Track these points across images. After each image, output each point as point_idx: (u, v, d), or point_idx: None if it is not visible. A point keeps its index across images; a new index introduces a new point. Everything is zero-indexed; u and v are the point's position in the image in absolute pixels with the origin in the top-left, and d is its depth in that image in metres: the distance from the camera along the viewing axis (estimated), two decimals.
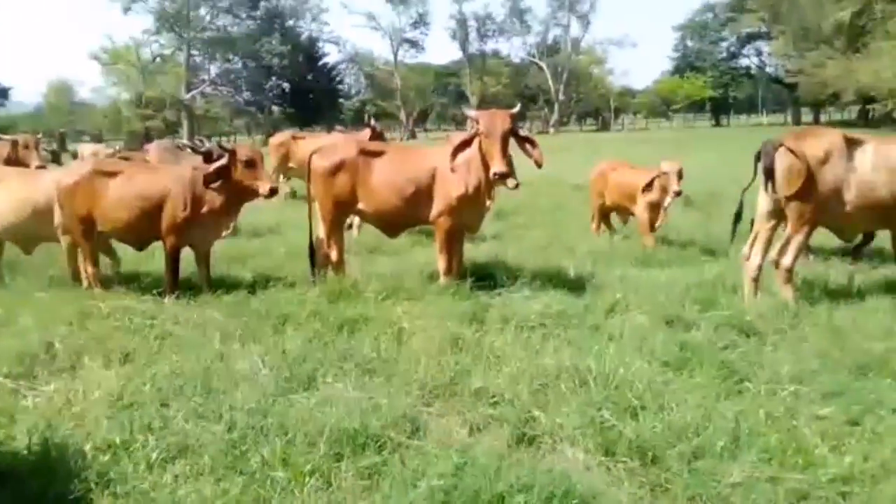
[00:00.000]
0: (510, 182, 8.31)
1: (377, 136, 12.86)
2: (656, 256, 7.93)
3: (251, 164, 6.60)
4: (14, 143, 11.62)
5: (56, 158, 14.54)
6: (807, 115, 67.38)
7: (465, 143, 6.33)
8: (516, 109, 6.48)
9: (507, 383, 4.38)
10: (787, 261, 5.84)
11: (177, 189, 6.67)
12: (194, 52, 66.29)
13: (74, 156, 18.81)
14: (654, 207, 8.34)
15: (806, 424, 3.83)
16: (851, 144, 5.75)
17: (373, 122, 13.81)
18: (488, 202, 6.57)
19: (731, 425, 3.78)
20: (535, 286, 6.44)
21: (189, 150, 10.33)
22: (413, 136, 68.12)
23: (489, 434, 3.95)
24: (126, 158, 9.82)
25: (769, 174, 5.85)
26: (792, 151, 5.74)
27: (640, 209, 8.41)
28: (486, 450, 3.65)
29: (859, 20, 32.14)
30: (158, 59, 66.97)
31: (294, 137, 14.72)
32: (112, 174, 6.90)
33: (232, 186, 6.61)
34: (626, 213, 9.10)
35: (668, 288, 6.31)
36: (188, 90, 63.51)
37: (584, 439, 3.78)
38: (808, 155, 5.70)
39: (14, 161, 10.20)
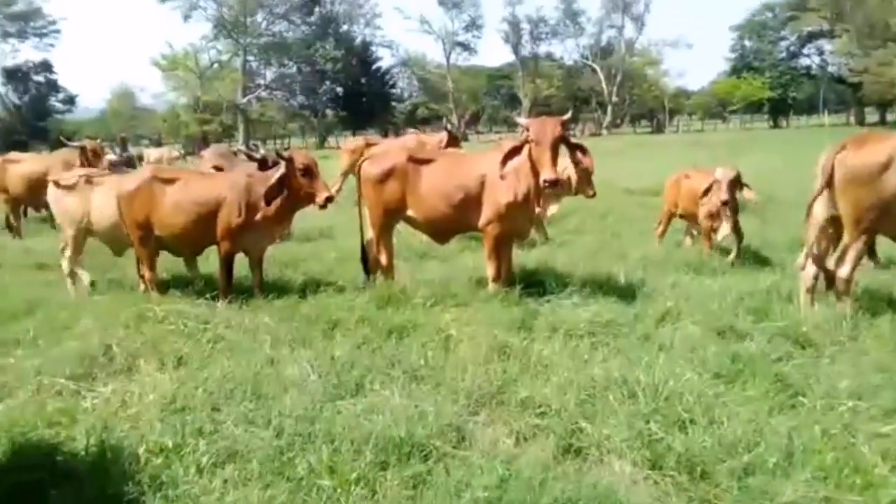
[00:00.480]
0: (588, 190, 8.44)
1: (453, 139, 12.92)
2: (710, 264, 7.77)
3: (308, 172, 6.69)
4: (83, 149, 12.04)
5: (130, 163, 14.91)
6: (871, 115, 65.35)
7: (515, 151, 6.31)
8: (567, 116, 6.43)
9: (555, 393, 4.34)
10: (844, 271, 5.67)
11: (232, 196, 6.79)
12: (250, 57, 67.67)
13: (140, 159, 19.34)
14: (713, 215, 8.10)
15: (865, 442, 3.70)
16: None
17: (449, 125, 13.91)
18: (538, 209, 6.54)
19: (785, 441, 3.69)
20: (584, 293, 6.37)
21: (244, 156, 10.56)
22: (465, 138, 68.12)
23: (535, 444, 3.93)
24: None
25: (828, 180, 5.69)
26: (851, 156, 5.57)
27: (701, 216, 8.22)
28: (531, 461, 3.63)
29: None
30: (216, 65, 68.55)
31: (368, 143, 14.86)
32: (170, 181, 7.07)
33: (289, 194, 6.71)
34: (696, 221, 8.80)
35: (721, 297, 6.18)
36: (244, 94, 64.84)
37: (632, 452, 3.73)
38: (868, 162, 5.51)
39: (86, 166, 10.59)
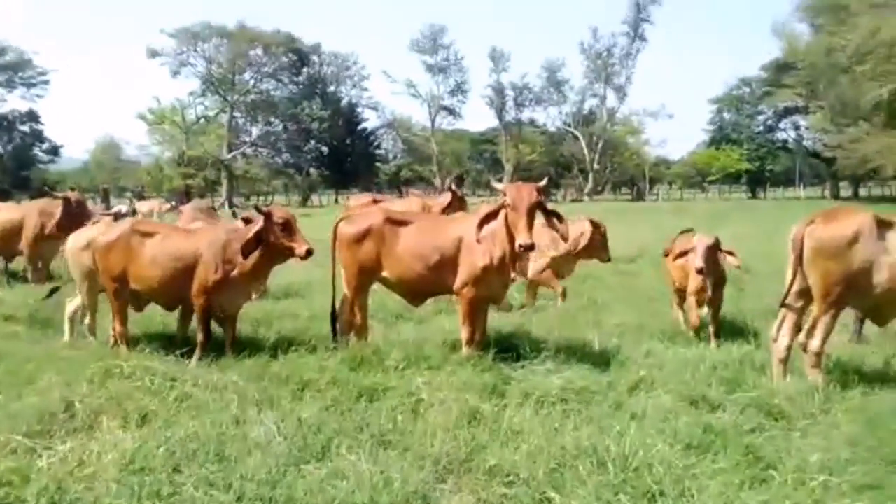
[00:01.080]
0: (603, 255, 8.88)
1: (458, 200, 12.97)
2: (685, 332, 7.78)
3: (287, 226, 6.68)
4: (66, 200, 11.93)
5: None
6: (846, 190, 66.73)
7: (492, 215, 6.36)
8: (543, 182, 6.51)
9: (524, 461, 4.27)
10: (815, 344, 5.69)
11: (209, 252, 6.75)
12: (237, 114, 68.42)
13: (134, 212, 19.16)
14: (700, 289, 7.65)
15: None
16: (883, 225, 5.63)
17: (453, 186, 14.00)
18: (513, 274, 6.55)
19: None
20: (558, 359, 6.33)
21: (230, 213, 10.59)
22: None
23: None
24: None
25: (798, 254, 5.76)
26: (820, 229, 5.67)
27: (690, 288, 8.00)
28: None
29: None
30: (202, 120, 69.23)
31: (374, 200, 14.87)
32: (148, 234, 7.03)
33: (267, 249, 6.67)
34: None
35: (694, 366, 6.16)
36: (229, 150, 65.33)
37: None
38: (836, 235, 5.61)
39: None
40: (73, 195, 12.51)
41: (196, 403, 5.41)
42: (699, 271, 7.02)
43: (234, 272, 6.71)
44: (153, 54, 65.17)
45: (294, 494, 3.85)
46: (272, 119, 72.38)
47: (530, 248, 6.05)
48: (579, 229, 9.24)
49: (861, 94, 35.25)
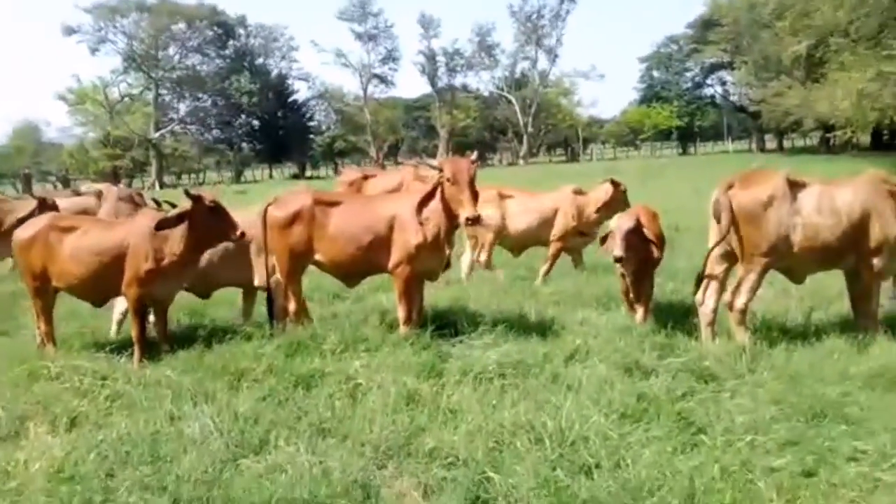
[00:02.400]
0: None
1: None
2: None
3: (217, 209, 6.52)
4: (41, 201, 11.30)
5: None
6: (771, 142, 68.57)
7: (430, 196, 6.35)
8: (475, 157, 6.52)
9: (463, 442, 4.31)
10: (740, 302, 5.87)
11: (137, 241, 6.53)
12: (163, 91, 66.35)
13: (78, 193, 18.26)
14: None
15: (761, 478, 3.79)
16: (795, 187, 5.82)
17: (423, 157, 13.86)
18: (448, 250, 6.55)
19: (687, 482, 3.73)
20: (496, 332, 6.36)
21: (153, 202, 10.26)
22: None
23: (443, 497, 3.87)
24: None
25: (718, 218, 5.91)
26: (738, 194, 5.82)
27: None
28: None
29: (816, 52, 32.90)
30: (126, 99, 66.81)
31: (366, 176, 14.54)
32: (69, 229, 6.76)
33: (196, 234, 6.50)
34: None
35: (628, 332, 6.28)
36: (157, 129, 63.40)
37: (538, 501, 3.71)
38: (753, 199, 5.77)
39: None
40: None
41: (129, 402, 5.31)
42: (618, 260, 6.35)
43: (165, 260, 6.52)
44: (69, 31, 62.60)
45: (231, 493, 3.80)
46: (200, 95, 70.40)
47: (477, 220, 6.08)
48: (604, 190, 9.52)
49: (782, 48, 36.10)
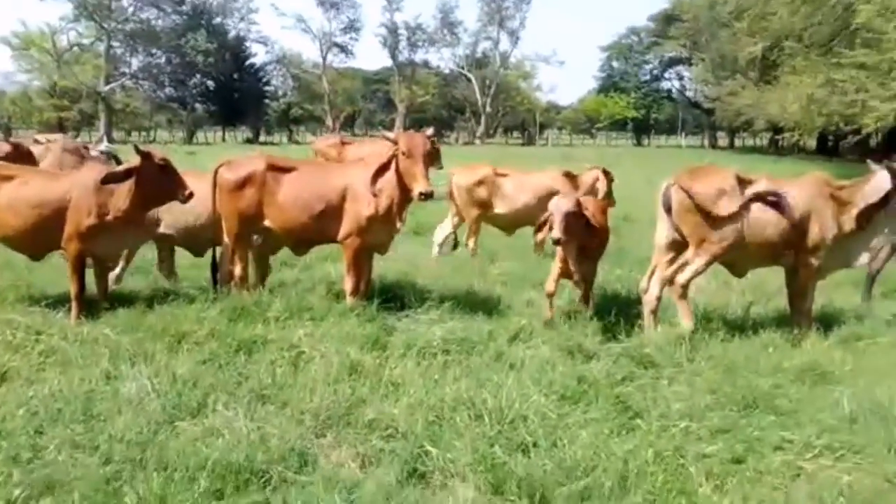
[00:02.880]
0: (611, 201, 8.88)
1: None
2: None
3: (167, 168, 6.37)
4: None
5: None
6: (723, 140, 69.86)
7: (385, 167, 6.31)
8: (430, 132, 6.52)
9: (403, 414, 4.32)
10: (682, 277, 5.98)
11: (79, 195, 6.33)
12: (115, 43, 64.04)
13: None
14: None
15: (692, 463, 3.88)
16: (743, 183, 5.95)
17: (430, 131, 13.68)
18: (399, 224, 6.52)
19: (621, 464, 3.81)
20: (443, 309, 6.39)
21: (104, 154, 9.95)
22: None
23: (380, 468, 3.87)
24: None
25: (668, 210, 6.02)
26: (685, 190, 5.92)
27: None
28: (374, 488, 3.57)
29: (771, 54, 33.58)
30: (76, 49, 64.44)
31: (343, 142, 14.24)
32: (7, 178, 6.52)
33: (144, 192, 6.33)
34: None
35: (572, 315, 6.35)
36: (107, 82, 61.33)
37: (475, 476, 3.75)
38: (700, 193, 5.88)
39: None
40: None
41: (63, 359, 5.18)
42: (557, 242, 5.99)
43: (109, 217, 6.35)
44: None
45: (166, 455, 3.74)
46: (154, 50, 68.27)
47: (430, 195, 6.06)
48: (593, 176, 9.51)
49: (739, 49, 36.71)
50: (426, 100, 73.14)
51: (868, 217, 5.82)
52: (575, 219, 6.00)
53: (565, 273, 6.42)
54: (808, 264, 6.02)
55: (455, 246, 9.80)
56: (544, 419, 4.25)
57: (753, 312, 6.78)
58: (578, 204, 6.14)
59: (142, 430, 4.03)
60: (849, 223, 5.89)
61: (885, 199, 5.77)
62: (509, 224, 9.91)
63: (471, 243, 9.74)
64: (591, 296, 6.68)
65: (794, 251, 6.03)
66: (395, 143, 6.25)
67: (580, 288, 6.64)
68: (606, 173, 9.57)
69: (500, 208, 9.68)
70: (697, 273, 6.05)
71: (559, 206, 5.98)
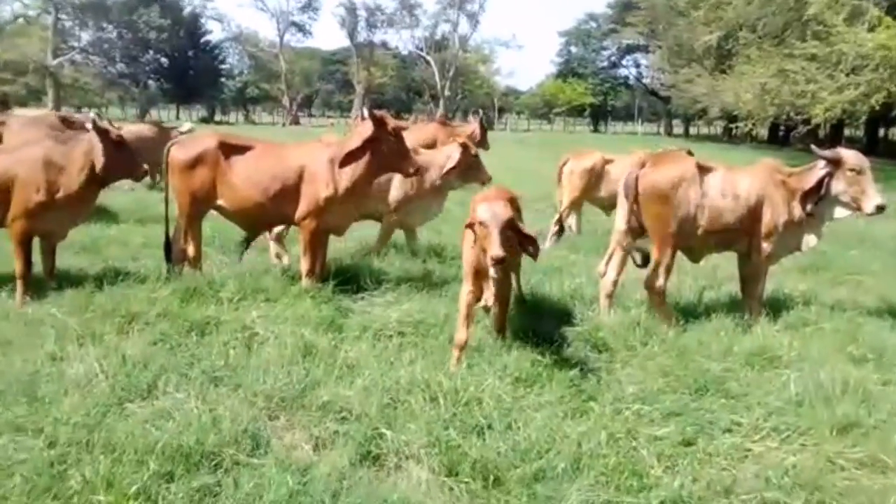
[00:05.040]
0: (481, 177, 8.38)
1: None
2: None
3: (122, 144, 6.21)
4: None
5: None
6: (678, 128, 70.77)
7: (361, 151, 6.32)
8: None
9: (358, 396, 4.29)
10: (658, 283, 6.01)
11: (27, 172, 6.12)
12: (63, 16, 62.07)
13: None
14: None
15: (644, 445, 3.93)
16: (703, 171, 6.02)
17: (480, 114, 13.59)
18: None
19: (574, 446, 3.84)
20: (399, 291, 6.36)
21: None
22: (296, 121, 66.75)
23: (334, 451, 3.85)
24: None
25: (630, 196, 6.05)
26: (650, 173, 5.96)
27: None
28: (327, 470, 3.54)
29: (726, 44, 34.03)
30: (20, 20, 62.28)
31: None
32: None
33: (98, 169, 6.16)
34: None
35: (529, 298, 6.37)
36: (55, 56, 59.47)
37: (429, 458, 3.75)
38: (663, 179, 5.93)
39: None
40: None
41: (5, 339, 5.04)
42: (499, 262, 4.42)
43: (60, 194, 6.16)
44: None
45: (114, 437, 3.66)
46: (105, 25, 66.43)
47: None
48: (447, 153, 8.53)
49: (695, 37, 37.08)
50: (384, 81, 72.68)
51: (810, 202, 5.94)
52: (512, 228, 4.63)
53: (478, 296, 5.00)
54: (760, 249, 6.13)
55: (560, 231, 10.01)
56: (499, 402, 4.26)
57: (706, 298, 6.87)
58: (512, 210, 4.75)
59: (89, 413, 3.94)
60: (798, 209, 6.01)
61: (819, 185, 5.90)
62: (613, 206, 10.13)
63: (573, 223, 10.33)
64: (504, 317, 5.35)
65: (747, 237, 6.13)
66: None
67: (495, 311, 5.25)
68: (466, 147, 9.11)
69: (604, 192, 10.02)
70: (670, 270, 6.07)
71: (495, 215, 4.49)
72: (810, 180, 5.94)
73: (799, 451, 3.99)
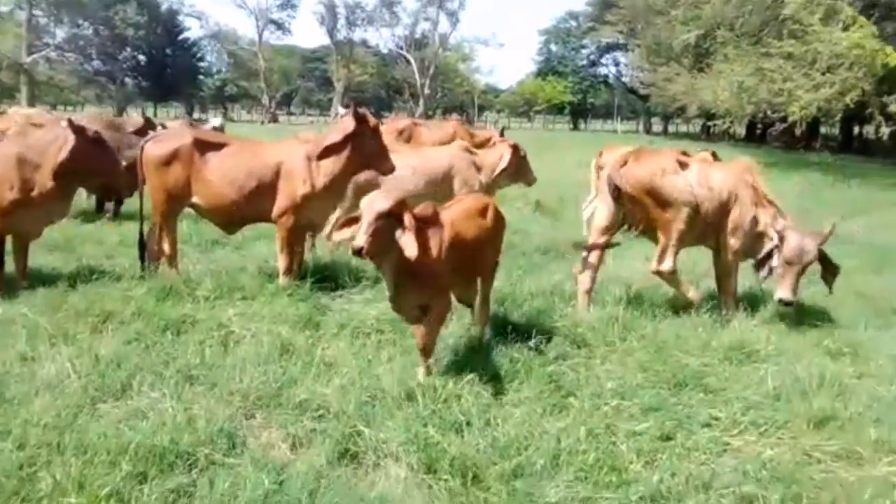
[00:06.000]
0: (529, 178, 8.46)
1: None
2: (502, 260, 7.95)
3: (100, 142, 6.12)
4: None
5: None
6: (657, 126, 71.20)
7: (341, 145, 6.31)
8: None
9: (336, 395, 4.26)
10: (667, 265, 6.05)
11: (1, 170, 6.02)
12: (38, 11, 61.24)
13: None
14: None
15: (623, 441, 3.93)
16: (682, 165, 6.06)
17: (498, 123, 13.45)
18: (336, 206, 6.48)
19: (553, 443, 3.82)
20: (377, 288, 6.30)
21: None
22: (275, 119, 66.39)
23: (311, 449, 3.81)
24: None
25: (614, 191, 6.06)
26: (634, 168, 5.99)
27: None
28: (304, 468, 3.50)
29: (704, 42, 34.22)
30: None
31: (416, 124, 13.82)
32: None
33: (74, 168, 6.06)
34: None
35: (507, 294, 6.35)
36: (29, 53, 58.65)
37: (408, 456, 3.72)
38: (647, 173, 5.96)
39: None
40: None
41: None
42: (358, 252, 4.02)
43: (34, 192, 6.06)
44: None
45: (85, 438, 3.60)
46: (80, 21, 65.61)
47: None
48: (499, 153, 8.57)
49: (673, 36, 37.23)
50: (364, 79, 72.49)
51: (762, 268, 6.19)
52: (391, 225, 4.12)
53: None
54: (728, 245, 6.19)
55: None
56: (478, 398, 4.24)
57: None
58: (402, 205, 4.21)
59: (60, 414, 3.86)
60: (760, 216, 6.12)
61: (769, 254, 6.12)
62: None
63: None
64: (432, 341, 4.65)
65: (717, 232, 6.19)
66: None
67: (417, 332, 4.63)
68: (516, 148, 9.07)
69: None
70: (676, 251, 6.10)
71: (371, 205, 4.11)
72: (765, 246, 6.11)
73: (776, 445, 4.02)
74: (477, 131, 14.23)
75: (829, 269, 6.20)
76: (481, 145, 10.63)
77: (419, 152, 8.50)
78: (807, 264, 5.99)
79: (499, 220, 5.28)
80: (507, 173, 8.31)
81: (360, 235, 4.00)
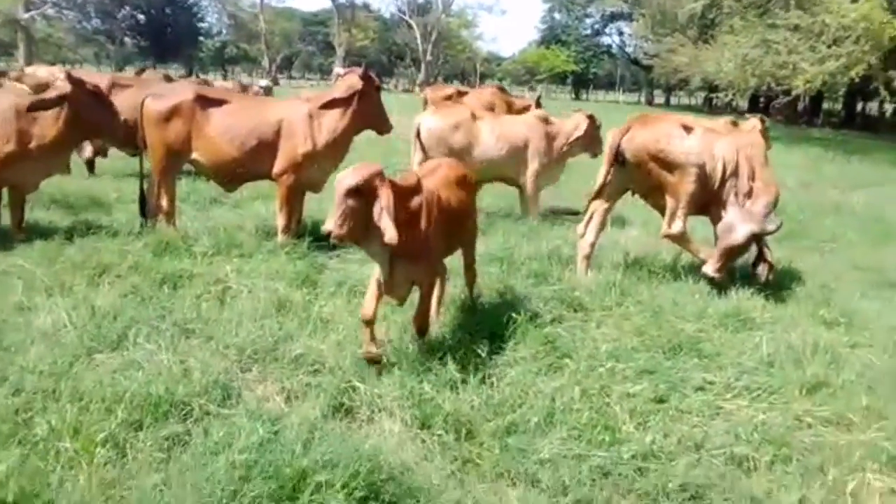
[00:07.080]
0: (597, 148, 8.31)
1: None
2: (501, 225, 7.95)
3: (101, 98, 6.07)
4: None
5: None
6: (660, 97, 70.70)
7: (346, 101, 6.36)
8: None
9: (331, 350, 4.28)
10: (677, 226, 6.01)
11: None
12: None
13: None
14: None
15: (617, 402, 3.95)
16: (686, 129, 6.01)
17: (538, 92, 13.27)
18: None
19: (548, 401, 3.85)
20: None
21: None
22: (276, 82, 65.80)
23: (306, 403, 3.83)
24: None
25: (617, 156, 6.02)
26: (638, 134, 5.95)
27: None
28: (298, 420, 3.51)
29: (710, 13, 33.85)
30: None
31: (459, 92, 13.67)
32: None
33: (73, 122, 6.02)
34: None
35: (506, 257, 6.35)
36: (27, 10, 57.89)
37: (402, 411, 3.74)
38: (652, 138, 5.91)
39: None
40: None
41: None
42: (330, 234, 3.70)
43: (32, 144, 6.03)
44: None
45: (81, 386, 3.61)
46: None
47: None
48: (575, 122, 8.60)
49: (679, 6, 36.86)
50: (366, 44, 71.80)
51: None
52: (366, 203, 3.70)
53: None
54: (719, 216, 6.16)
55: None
56: (473, 356, 4.25)
57: (681, 260, 6.89)
58: (375, 178, 3.75)
59: (56, 362, 3.88)
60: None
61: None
62: None
63: None
64: (428, 318, 4.47)
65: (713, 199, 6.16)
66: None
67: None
68: (592, 118, 8.93)
69: None
70: (686, 215, 6.06)
71: (340, 182, 3.72)
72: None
73: (768, 410, 4.03)
74: (514, 99, 14.12)
75: (761, 259, 6.18)
76: (518, 113, 10.78)
77: (500, 120, 8.66)
78: (733, 245, 5.85)
79: (474, 185, 5.14)
80: (581, 142, 8.46)
81: (329, 218, 3.66)
